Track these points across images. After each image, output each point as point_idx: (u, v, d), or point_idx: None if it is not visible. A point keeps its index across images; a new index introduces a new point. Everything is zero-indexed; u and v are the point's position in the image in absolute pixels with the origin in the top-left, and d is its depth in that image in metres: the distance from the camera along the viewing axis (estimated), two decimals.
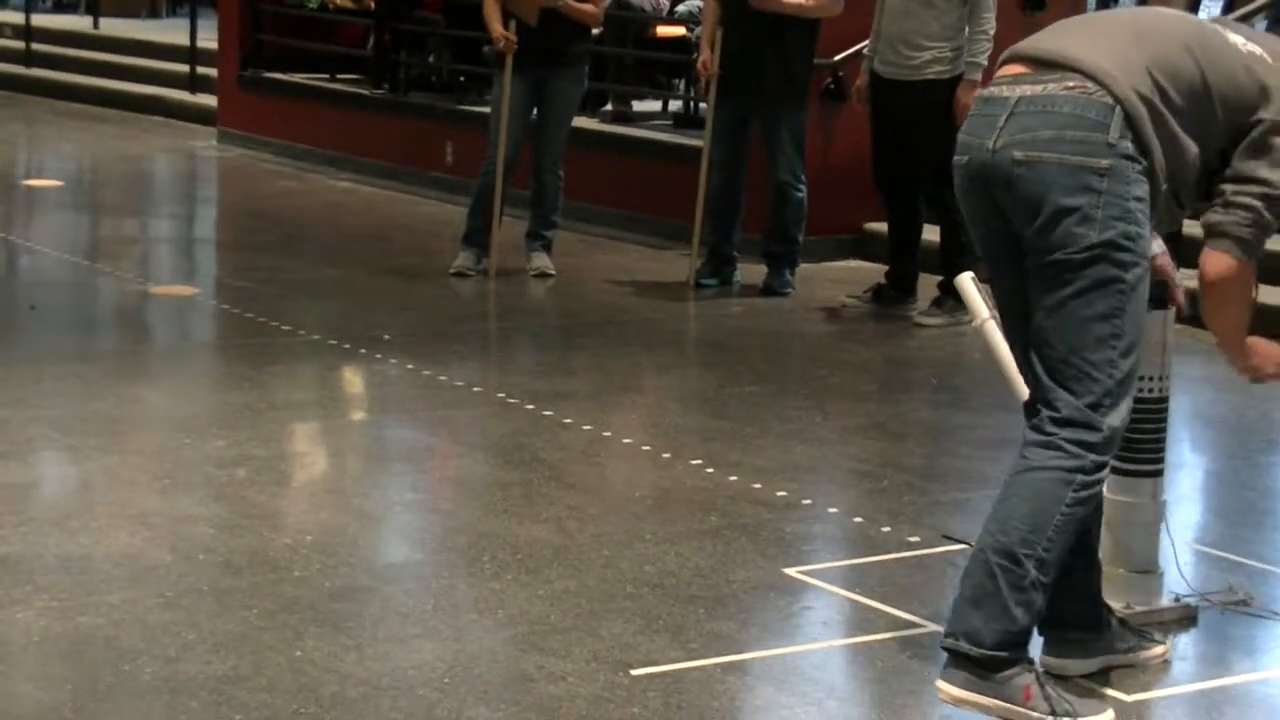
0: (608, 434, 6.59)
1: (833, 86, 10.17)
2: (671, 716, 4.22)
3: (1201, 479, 6.65)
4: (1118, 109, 4.04)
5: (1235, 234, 4.19)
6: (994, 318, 5.16)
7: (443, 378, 7.15)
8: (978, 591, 4.16)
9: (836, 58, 10.01)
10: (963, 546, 5.42)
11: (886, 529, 5.62)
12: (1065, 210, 4.04)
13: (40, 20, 18.56)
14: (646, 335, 8.32)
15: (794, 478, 6.13)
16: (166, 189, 13.37)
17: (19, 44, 18.16)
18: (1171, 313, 4.89)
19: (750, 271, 9.48)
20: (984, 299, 5.20)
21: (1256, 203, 4.15)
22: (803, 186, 9.35)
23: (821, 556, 5.40)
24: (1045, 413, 4.18)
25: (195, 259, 10.65)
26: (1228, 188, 4.18)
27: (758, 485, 6.00)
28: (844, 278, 9.86)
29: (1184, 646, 4.84)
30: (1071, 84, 4.07)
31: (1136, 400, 4.86)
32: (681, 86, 12.65)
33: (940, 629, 4.76)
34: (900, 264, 9.08)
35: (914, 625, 4.84)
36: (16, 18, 18.74)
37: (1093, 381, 4.13)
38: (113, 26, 18.39)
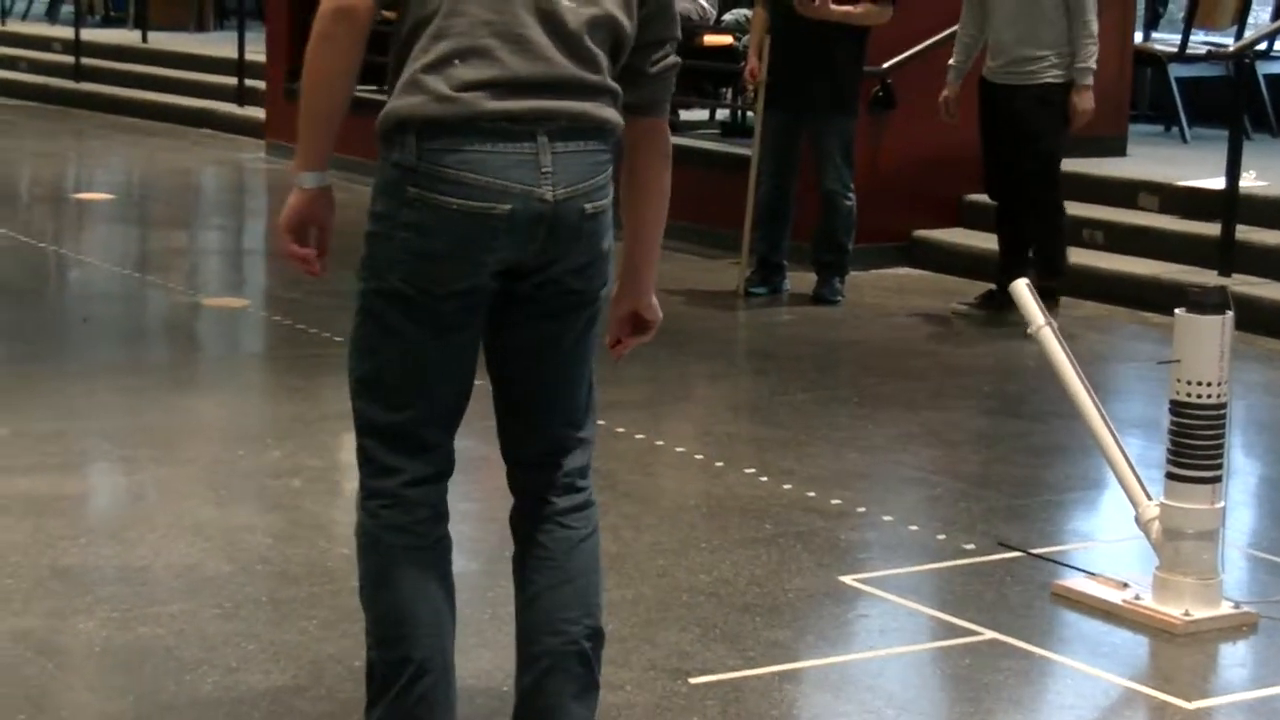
0: (660, 443, 6.59)
1: (881, 94, 10.16)
2: None
3: (1257, 485, 6.61)
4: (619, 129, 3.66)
5: (666, 101, 3.77)
6: (1050, 324, 5.19)
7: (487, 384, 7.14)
8: (580, 686, 3.77)
9: (884, 65, 10.00)
10: (1019, 554, 5.42)
11: (942, 536, 5.61)
12: (608, 252, 3.66)
13: (89, 35, 18.63)
14: (697, 344, 8.31)
15: (847, 485, 6.12)
16: (216, 201, 13.42)
17: (68, 58, 18.25)
18: (1230, 318, 4.85)
19: (799, 280, 9.47)
20: (1039, 305, 5.22)
21: (675, 61, 3.75)
22: (851, 195, 9.34)
23: (877, 564, 5.39)
24: (570, 465, 3.80)
25: (245, 271, 10.70)
26: (644, 63, 3.68)
27: (811, 493, 6.00)
28: (893, 285, 9.85)
29: (1244, 653, 4.83)
30: (601, 117, 3.57)
31: (1195, 406, 4.87)
32: (729, 95, 12.65)
33: (999, 636, 4.77)
34: (1012, 271, 9.00)
35: (971, 633, 4.82)
36: (66, 32, 18.84)
37: (592, 408, 3.86)
38: (161, 40, 18.45)
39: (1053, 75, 8.66)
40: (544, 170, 3.52)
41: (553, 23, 3.52)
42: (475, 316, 3.62)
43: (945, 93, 9.05)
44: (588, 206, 3.57)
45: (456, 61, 3.49)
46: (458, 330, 3.61)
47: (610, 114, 3.60)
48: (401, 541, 3.67)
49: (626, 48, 3.63)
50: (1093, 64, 8.63)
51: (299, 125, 3.62)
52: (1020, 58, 8.68)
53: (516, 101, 3.50)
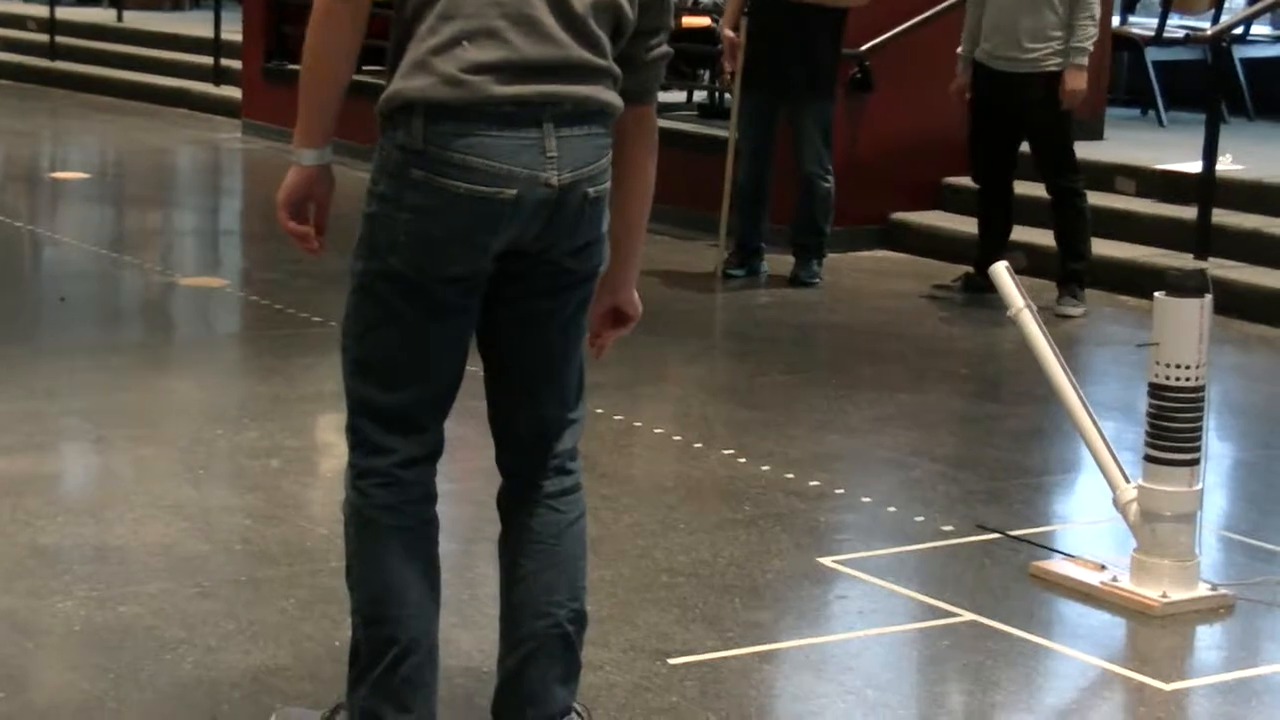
0: (639, 424, 6.59)
1: (859, 76, 10.15)
2: (710, 705, 4.23)
3: (1232, 468, 6.63)
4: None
5: (657, 89, 3.79)
6: (1029, 307, 5.20)
7: (472, 368, 7.12)
8: (565, 669, 3.79)
9: (863, 48, 9.99)
10: (997, 536, 5.43)
11: (920, 518, 5.62)
12: (605, 234, 3.68)
13: (64, 13, 18.56)
14: (675, 326, 8.31)
15: (826, 467, 6.13)
16: (192, 181, 13.40)
17: (43, 37, 18.18)
18: (1209, 301, 4.87)
19: (778, 262, 9.47)
20: (1019, 288, 5.23)
21: (668, 49, 3.78)
22: (830, 177, 9.34)
23: (855, 546, 5.39)
24: (560, 448, 3.78)
25: (222, 251, 10.67)
26: (639, 51, 3.69)
27: (790, 475, 6.00)
28: (872, 268, 9.86)
29: (1221, 635, 4.84)
30: (604, 100, 3.58)
31: (1174, 388, 4.89)
32: (706, 77, 12.65)
33: (978, 618, 4.79)
34: (993, 254, 8.99)
35: (950, 614, 4.84)
36: (41, 11, 18.76)
37: (582, 389, 3.83)
38: (137, 19, 18.39)
39: (1055, 64, 8.62)
40: (549, 155, 3.52)
41: (560, 4, 3.51)
42: (474, 299, 3.62)
43: (957, 81, 8.98)
44: (590, 190, 3.58)
45: (465, 43, 3.48)
46: (457, 314, 3.61)
47: (612, 97, 3.60)
48: (392, 521, 3.66)
49: (626, 33, 3.63)
50: (1089, 45, 8.63)
51: (299, 102, 3.61)
52: (1022, 44, 8.64)
53: (523, 86, 3.49)
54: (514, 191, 3.50)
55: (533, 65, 3.50)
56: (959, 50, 8.98)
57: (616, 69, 3.61)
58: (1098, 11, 8.69)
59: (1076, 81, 8.62)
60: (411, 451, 3.68)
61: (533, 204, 3.52)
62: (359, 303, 3.63)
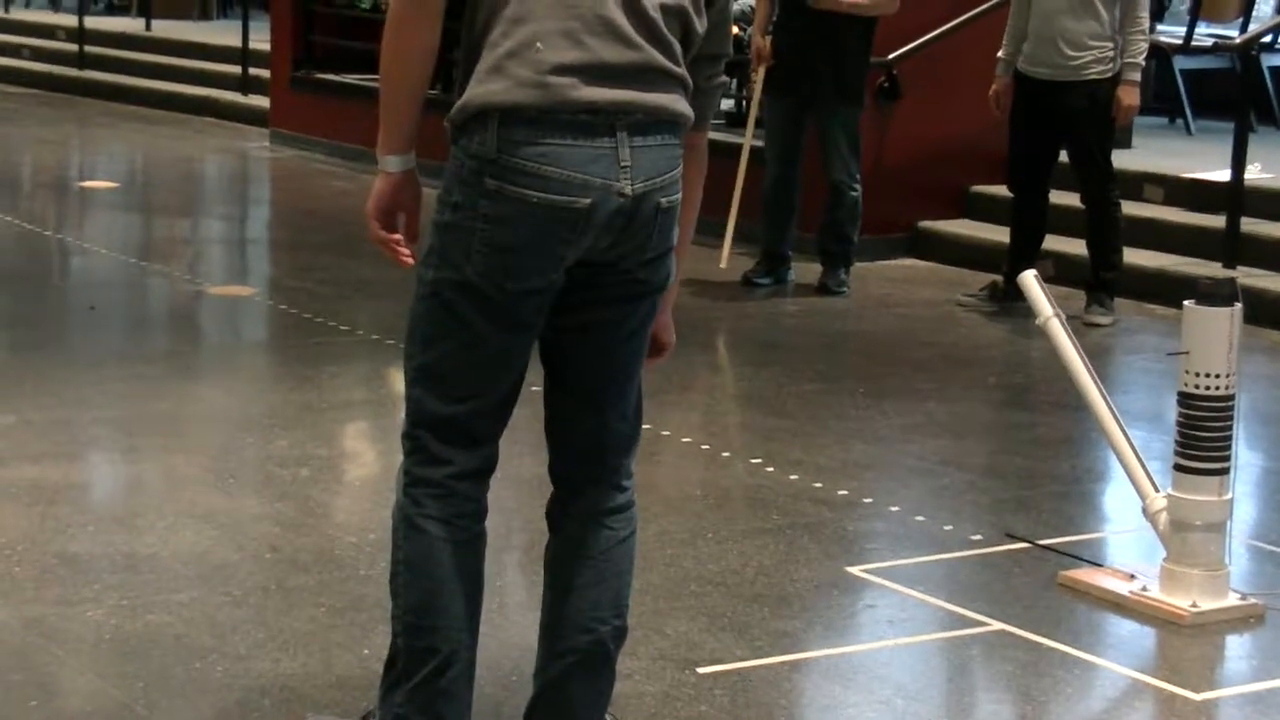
0: (667, 433, 6.59)
1: (887, 85, 10.14)
2: (739, 714, 4.24)
3: (1261, 477, 6.61)
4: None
5: (711, 117, 3.79)
6: (1058, 315, 5.19)
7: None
8: (602, 682, 3.82)
9: (891, 56, 9.99)
10: (1026, 545, 5.43)
11: (949, 527, 5.62)
12: (674, 246, 3.67)
13: (93, 22, 18.61)
14: (702, 334, 8.32)
15: (854, 476, 6.13)
16: (220, 190, 13.42)
17: (72, 46, 18.24)
18: (1239, 310, 4.86)
19: (805, 271, 9.47)
20: (1048, 297, 5.22)
21: (726, 78, 3.84)
22: (858, 185, 9.34)
23: (884, 555, 5.39)
24: (617, 463, 3.80)
25: (251, 259, 10.70)
26: (699, 78, 3.67)
27: (818, 484, 6.00)
28: (899, 276, 9.85)
29: (1251, 645, 4.83)
30: (677, 110, 3.57)
31: (1204, 397, 4.88)
32: (734, 85, 12.64)
33: (1007, 627, 4.78)
34: (1023, 264, 8.95)
35: (979, 623, 4.83)
36: (70, 20, 18.82)
37: (641, 406, 3.83)
38: (165, 28, 18.43)
39: (1097, 71, 8.57)
40: (623, 164, 3.50)
41: (632, 6, 3.49)
42: (543, 315, 3.61)
43: (995, 86, 8.91)
44: (663, 200, 3.57)
45: (539, 45, 3.45)
46: (527, 329, 3.61)
47: (684, 107, 3.59)
48: (443, 533, 3.65)
49: (693, 46, 3.62)
50: (1142, 60, 8.59)
51: (380, 110, 3.58)
52: (1064, 51, 8.59)
53: (601, 89, 3.47)
54: (588, 201, 3.48)
55: (610, 68, 3.48)
56: (999, 54, 8.92)
57: (688, 78, 3.60)
58: (1148, 25, 8.64)
59: (1130, 97, 8.56)
60: (467, 465, 3.67)
61: (607, 214, 3.50)
62: (428, 310, 3.61)
